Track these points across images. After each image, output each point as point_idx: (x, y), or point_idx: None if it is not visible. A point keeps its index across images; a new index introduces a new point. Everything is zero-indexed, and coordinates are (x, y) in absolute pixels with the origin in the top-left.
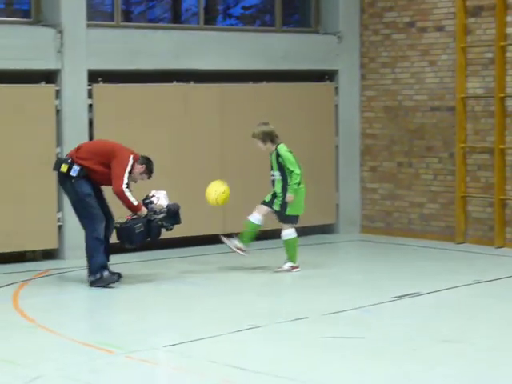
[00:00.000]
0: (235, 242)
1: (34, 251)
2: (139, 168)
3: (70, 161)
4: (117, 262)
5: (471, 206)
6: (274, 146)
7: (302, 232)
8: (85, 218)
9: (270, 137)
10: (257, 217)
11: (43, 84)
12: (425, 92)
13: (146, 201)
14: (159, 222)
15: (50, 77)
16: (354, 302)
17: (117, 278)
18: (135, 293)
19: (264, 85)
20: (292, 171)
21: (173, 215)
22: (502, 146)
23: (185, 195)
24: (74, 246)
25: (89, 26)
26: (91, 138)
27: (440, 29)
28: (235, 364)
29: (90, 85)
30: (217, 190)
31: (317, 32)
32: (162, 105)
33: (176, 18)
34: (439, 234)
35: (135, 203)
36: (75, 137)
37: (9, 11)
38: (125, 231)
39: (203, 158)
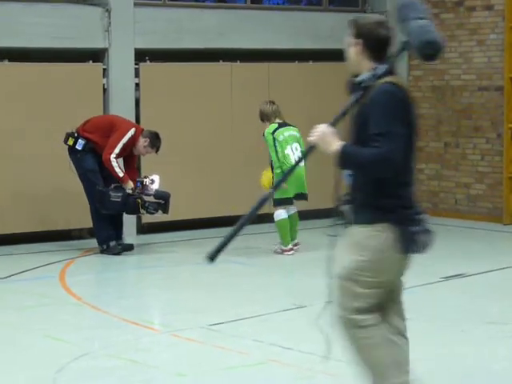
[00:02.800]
0: (281, 247)
1: (80, 229)
2: (142, 141)
3: (76, 135)
4: (160, 241)
5: None
6: (267, 126)
7: None
8: (87, 192)
9: (264, 116)
10: (279, 213)
11: (90, 63)
12: (473, 72)
13: (139, 179)
14: (138, 200)
15: (97, 56)
16: None
17: (120, 249)
18: (180, 272)
19: (310, 64)
20: (270, 156)
21: (161, 203)
22: None
23: (230, 175)
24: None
25: (136, 5)
26: (138, 116)
27: (489, 8)
28: (280, 343)
29: (136, 64)
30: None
31: (364, 11)
32: (207, 83)
33: None
34: (486, 215)
35: (120, 175)
36: (122, 115)
37: None
38: (100, 194)
39: (250, 137)
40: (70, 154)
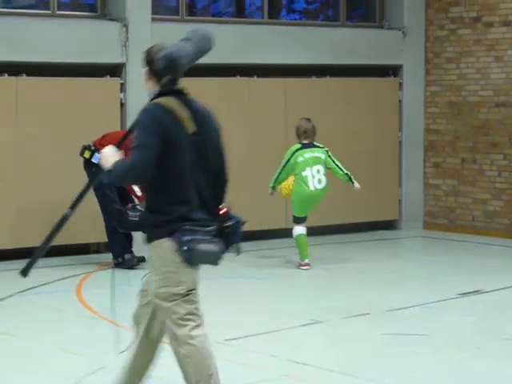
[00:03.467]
0: (299, 262)
1: (98, 243)
2: None
3: (93, 148)
4: None
5: None
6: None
7: (364, 228)
8: (102, 205)
9: (296, 132)
10: (297, 228)
11: (108, 77)
12: (490, 88)
13: None
14: None
15: (114, 70)
16: (416, 299)
17: (135, 261)
18: None
19: (327, 79)
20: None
21: None
22: None
23: (249, 189)
24: (135, 238)
25: (153, 20)
26: None
27: (506, 24)
28: (296, 359)
29: None
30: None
31: (381, 27)
32: (224, 99)
33: (240, 12)
34: (503, 231)
35: (139, 194)
36: None
37: (74, 5)
38: (117, 213)
39: (266, 152)
40: (85, 166)
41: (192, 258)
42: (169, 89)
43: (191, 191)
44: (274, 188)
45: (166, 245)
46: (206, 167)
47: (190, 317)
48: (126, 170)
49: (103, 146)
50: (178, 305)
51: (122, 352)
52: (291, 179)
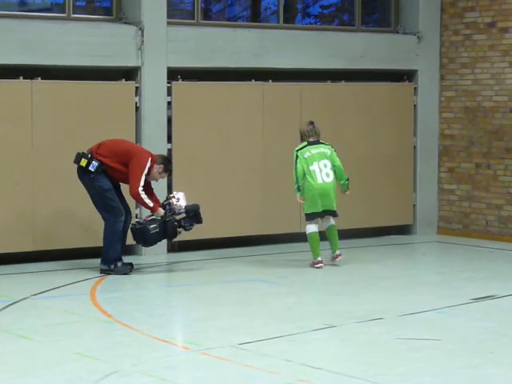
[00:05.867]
0: (312, 260)
1: None
2: (157, 168)
3: (89, 156)
4: (190, 259)
5: None
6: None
7: (379, 232)
8: (105, 211)
9: (300, 135)
10: (309, 227)
11: (123, 81)
12: (505, 93)
13: (165, 202)
14: (175, 223)
15: (129, 74)
16: (430, 304)
17: (129, 269)
18: (210, 290)
19: (342, 84)
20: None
21: (193, 215)
22: None
23: (261, 193)
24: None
25: (169, 23)
26: (169, 135)
27: None
28: (310, 363)
29: (169, 82)
30: None
31: (396, 32)
32: (239, 103)
33: (255, 16)
34: None
35: (151, 205)
36: (154, 133)
37: (90, 9)
38: (139, 232)
39: (281, 156)
40: (81, 174)
41: None
42: None
43: None
44: (299, 189)
45: None
46: None
47: None
48: None
49: (101, 154)
50: None
51: None
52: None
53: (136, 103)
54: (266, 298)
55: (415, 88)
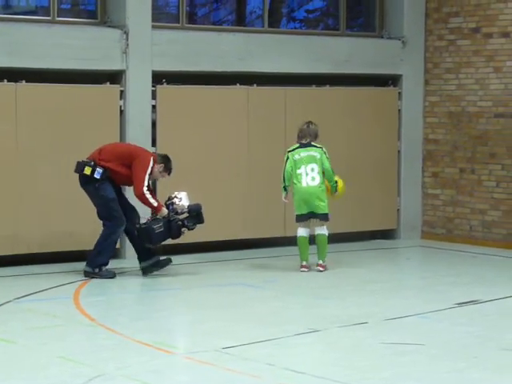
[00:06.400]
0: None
1: None
2: (158, 167)
3: (92, 163)
4: (174, 263)
5: None
6: None
7: (362, 237)
8: (108, 220)
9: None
10: (298, 230)
11: (108, 84)
12: (489, 98)
13: (168, 202)
14: (179, 222)
15: (114, 77)
16: (414, 308)
17: (113, 274)
18: (195, 294)
19: (327, 88)
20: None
21: (195, 215)
22: None
23: (246, 197)
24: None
25: (154, 27)
26: (154, 138)
27: (505, 35)
28: (293, 368)
29: (154, 86)
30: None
31: (381, 36)
32: (224, 107)
33: (240, 20)
34: (501, 242)
35: (155, 204)
36: (139, 137)
37: (75, 12)
38: (144, 231)
39: (266, 160)
40: (85, 182)
41: None
42: None
43: None
44: (285, 189)
45: None
46: None
47: None
48: None
49: (103, 160)
50: None
51: None
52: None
53: (120, 107)
54: (250, 302)
55: (399, 93)
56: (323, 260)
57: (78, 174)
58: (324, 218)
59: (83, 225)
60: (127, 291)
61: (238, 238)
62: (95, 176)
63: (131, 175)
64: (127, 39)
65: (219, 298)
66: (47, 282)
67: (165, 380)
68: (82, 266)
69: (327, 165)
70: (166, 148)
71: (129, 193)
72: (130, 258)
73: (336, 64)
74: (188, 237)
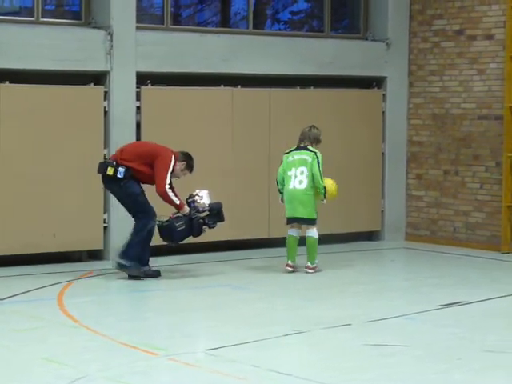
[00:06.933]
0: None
1: (79, 252)
2: (180, 165)
3: (114, 163)
4: (158, 265)
5: None
6: None
7: (347, 238)
8: (140, 212)
9: None
10: (288, 230)
11: (92, 85)
12: (473, 100)
13: (189, 199)
14: (201, 220)
15: (98, 78)
16: (398, 310)
17: (156, 273)
18: (180, 295)
19: (311, 90)
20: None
21: (215, 213)
22: None
23: (230, 199)
24: (119, 247)
25: (138, 28)
26: (138, 139)
27: (489, 37)
28: (278, 369)
29: (138, 87)
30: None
31: (365, 38)
32: (208, 108)
33: (225, 21)
34: (484, 244)
35: (177, 202)
36: (122, 138)
37: (59, 13)
38: (166, 229)
39: (250, 161)
40: (108, 182)
41: None
42: None
43: None
44: (280, 191)
45: None
46: None
47: None
48: None
49: (125, 159)
50: None
51: None
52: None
53: (105, 108)
54: (235, 303)
55: (384, 95)
56: (312, 262)
57: (100, 175)
58: (304, 222)
59: (66, 226)
60: (111, 292)
61: (224, 239)
62: (118, 176)
63: (153, 174)
64: (111, 40)
65: (204, 299)
66: (31, 284)
67: (149, 382)
68: (65, 267)
69: (316, 169)
70: None
71: (151, 191)
72: (113, 259)
73: (320, 66)
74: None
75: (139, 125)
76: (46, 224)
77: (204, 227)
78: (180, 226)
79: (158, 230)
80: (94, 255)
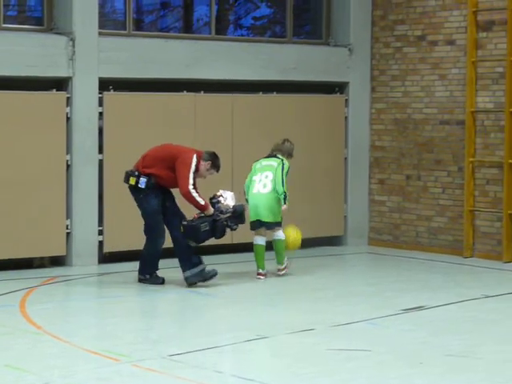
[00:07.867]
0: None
1: (42, 258)
2: (205, 165)
3: (136, 173)
4: (122, 270)
5: (479, 220)
6: None
7: (310, 243)
8: (148, 231)
9: None
10: (254, 238)
11: (54, 91)
12: (434, 105)
13: (214, 200)
14: (224, 222)
15: (60, 84)
16: (360, 315)
17: (161, 281)
18: (143, 301)
19: (274, 96)
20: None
21: (238, 215)
22: (511, 161)
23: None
24: (82, 253)
25: (100, 34)
26: (101, 145)
27: (451, 43)
28: (241, 375)
29: (100, 93)
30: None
31: (327, 44)
32: (171, 114)
33: (187, 27)
34: (447, 248)
35: (202, 203)
36: (85, 144)
37: (21, 18)
38: (191, 229)
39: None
40: (132, 192)
41: None
42: None
43: None
44: (247, 201)
45: None
46: None
47: None
48: None
49: (146, 167)
50: None
51: None
52: (293, 233)
53: (67, 113)
54: (199, 309)
55: (346, 100)
56: (281, 263)
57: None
58: (270, 227)
59: (28, 232)
60: (74, 299)
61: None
62: (140, 186)
63: (175, 177)
64: (74, 46)
65: (166, 305)
66: None
67: None
68: (27, 273)
69: (278, 174)
70: (112, 155)
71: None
72: (76, 265)
73: (283, 71)
74: (133, 244)
75: (102, 130)
76: (7, 230)
77: (227, 229)
78: (204, 226)
79: (182, 228)
80: (57, 261)
